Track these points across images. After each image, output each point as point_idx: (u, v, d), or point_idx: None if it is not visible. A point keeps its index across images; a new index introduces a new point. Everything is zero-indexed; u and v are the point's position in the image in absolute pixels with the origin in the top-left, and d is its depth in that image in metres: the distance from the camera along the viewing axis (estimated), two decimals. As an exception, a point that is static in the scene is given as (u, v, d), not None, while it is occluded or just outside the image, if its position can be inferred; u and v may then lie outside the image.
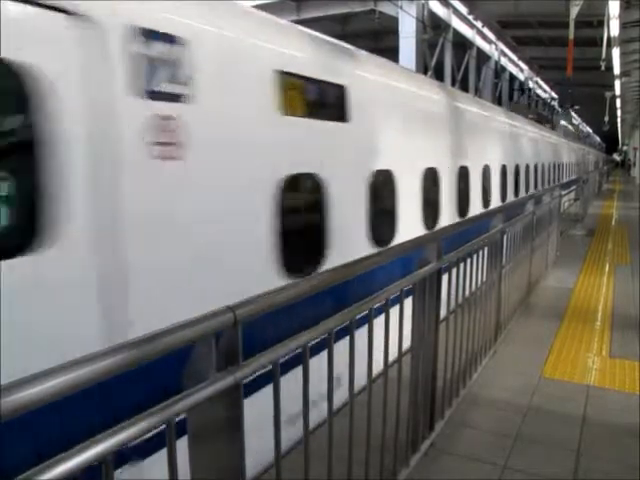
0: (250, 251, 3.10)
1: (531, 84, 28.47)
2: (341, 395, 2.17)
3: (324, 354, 1.98)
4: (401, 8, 12.74)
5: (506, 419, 3.45)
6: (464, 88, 17.59)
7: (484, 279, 3.87)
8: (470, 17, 16.77)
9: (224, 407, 1.53)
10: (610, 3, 11.44)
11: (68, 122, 2.11)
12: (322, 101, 3.82)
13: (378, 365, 2.36)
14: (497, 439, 3.21)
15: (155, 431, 1.29)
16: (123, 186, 2.32)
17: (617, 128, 49.29)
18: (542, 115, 22.55)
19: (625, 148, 61.57)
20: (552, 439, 3.20)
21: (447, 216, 6.16)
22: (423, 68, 13.76)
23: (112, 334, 2.22)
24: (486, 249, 3.83)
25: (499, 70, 22.23)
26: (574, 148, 22.96)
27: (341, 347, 2.07)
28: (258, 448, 1.88)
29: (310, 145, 3.64)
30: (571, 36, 13.84)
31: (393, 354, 2.48)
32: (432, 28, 13.65)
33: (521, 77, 26.50)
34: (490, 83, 21.59)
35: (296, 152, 3.48)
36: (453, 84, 16.46)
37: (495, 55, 21.18)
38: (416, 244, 2.82)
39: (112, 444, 1.16)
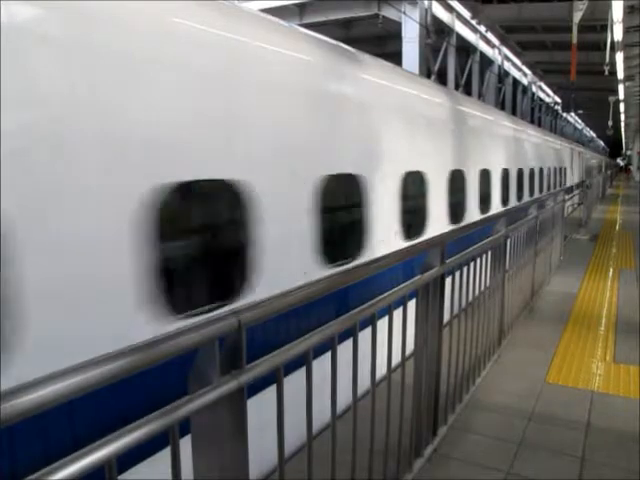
0: None
1: (534, 88, 28.46)
2: (344, 399, 2.17)
3: (325, 357, 1.98)
4: (404, 13, 12.76)
5: (510, 425, 3.44)
6: (467, 93, 17.59)
7: (488, 283, 3.87)
8: (473, 22, 16.78)
9: (228, 411, 1.53)
10: (613, 7, 11.44)
11: None
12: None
13: (381, 369, 2.35)
14: (500, 445, 3.19)
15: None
16: None
17: (621, 132, 49.18)
18: None
19: (629, 152, 61.45)
20: (556, 445, 3.19)
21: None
22: (426, 73, 13.78)
23: None
24: (489, 253, 3.83)
25: (502, 75, 22.23)
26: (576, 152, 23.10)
27: (343, 351, 2.07)
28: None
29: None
30: (574, 40, 13.86)
31: (396, 358, 2.48)
32: (435, 33, 13.66)
33: (524, 81, 26.48)
34: (493, 88, 21.59)
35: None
36: (456, 89, 16.46)
37: (498, 60, 21.17)
38: (419, 249, 2.82)
39: (116, 448, 1.16)
